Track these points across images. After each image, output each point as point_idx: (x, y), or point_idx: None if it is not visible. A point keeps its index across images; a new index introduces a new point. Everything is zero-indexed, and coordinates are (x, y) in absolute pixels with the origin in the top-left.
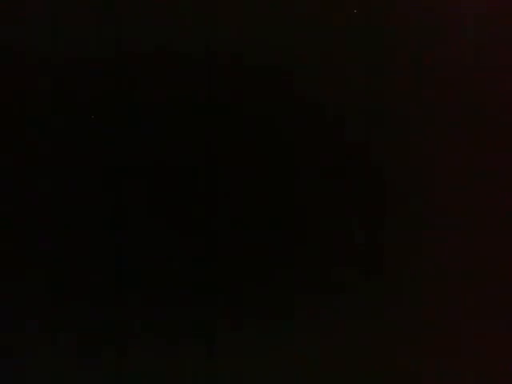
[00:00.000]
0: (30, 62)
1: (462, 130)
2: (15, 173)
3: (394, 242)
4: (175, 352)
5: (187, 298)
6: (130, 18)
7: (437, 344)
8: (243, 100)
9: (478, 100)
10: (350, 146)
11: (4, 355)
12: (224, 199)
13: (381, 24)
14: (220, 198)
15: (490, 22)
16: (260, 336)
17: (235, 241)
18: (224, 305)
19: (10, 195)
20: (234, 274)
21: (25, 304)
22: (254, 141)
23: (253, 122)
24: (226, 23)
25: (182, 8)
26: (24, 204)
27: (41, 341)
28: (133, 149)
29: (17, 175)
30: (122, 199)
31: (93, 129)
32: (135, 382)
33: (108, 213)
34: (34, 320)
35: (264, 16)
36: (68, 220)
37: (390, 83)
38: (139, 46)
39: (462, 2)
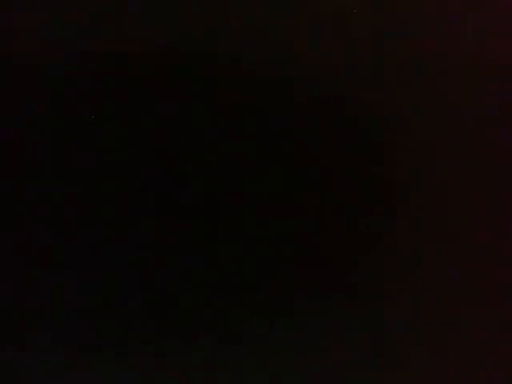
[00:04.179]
0: (30, 62)
1: (464, 129)
2: (15, 173)
3: (395, 242)
4: (175, 354)
5: (187, 298)
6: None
7: (437, 345)
8: (243, 99)
9: (479, 98)
10: (350, 145)
11: (4, 355)
12: (225, 199)
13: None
14: (221, 198)
15: (491, 21)
16: (260, 339)
17: (236, 242)
18: (225, 306)
19: (10, 195)
20: (234, 274)
21: (25, 304)
22: (254, 140)
23: (253, 121)
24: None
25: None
26: (24, 204)
27: (41, 340)
28: (132, 149)
29: (17, 175)
30: (121, 198)
31: (93, 128)
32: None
33: (107, 212)
34: (33, 320)
35: (264, 16)
36: (67, 220)
37: (391, 82)
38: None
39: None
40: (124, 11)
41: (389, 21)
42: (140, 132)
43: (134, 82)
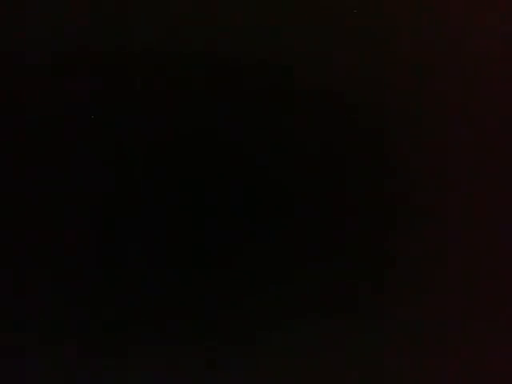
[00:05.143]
0: (30, 62)
1: (465, 129)
2: (15, 172)
3: (395, 244)
4: (175, 354)
5: (187, 299)
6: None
7: (438, 347)
8: (243, 98)
9: (480, 98)
10: (350, 147)
11: (4, 355)
12: (223, 198)
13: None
14: (220, 198)
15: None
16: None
17: (234, 246)
18: (225, 306)
19: (10, 195)
20: (233, 279)
21: (24, 304)
22: (255, 140)
23: (253, 121)
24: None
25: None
26: (23, 203)
27: (40, 340)
28: (131, 149)
29: (16, 175)
30: (120, 198)
31: (92, 128)
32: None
33: (107, 212)
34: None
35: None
36: (67, 220)
37: (392, 82)
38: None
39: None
40: (124, 11)
41: (389, 21)
42: (140, 132)
43: (134, 82)
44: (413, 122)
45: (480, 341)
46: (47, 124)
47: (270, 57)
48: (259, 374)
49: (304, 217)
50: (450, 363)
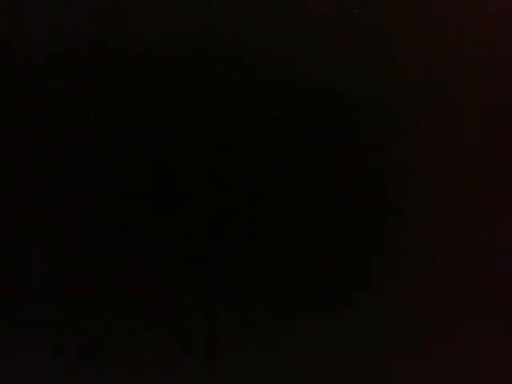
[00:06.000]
0: (30, 61)
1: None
2: (14, 173)
3: (394, 244)
4: (175, 353)
5: (187, 297)
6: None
7: (437, 349)
8: (243, 101)
9: (480, 98)
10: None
11: (4, 355)
12: (223, 201)
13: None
14: (219, 200)
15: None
16: (259, 344)
17: (232, 246)
18: (224, 304)
19: (10, 195)
20: (232, 278)
21: (24, 304)
22: (255, 141)
23: (253, 121)
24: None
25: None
26: (23, 204)
27: (40, 341)
28: (131, 149)
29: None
30: (120, 198)
31: (92, 129)
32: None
33: (106, 212)
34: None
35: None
36: (66, 220)
37: (391, 83)
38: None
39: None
40: (125, 10)
41: (389, 21)
42: (139, 132)
43: (134, 82)
44: (412, 122)
45: (480, 341)
46: (47, 124)
47: (270, 57)
48: (259, 374)
49: (304, 216)
50: (450, 363)
